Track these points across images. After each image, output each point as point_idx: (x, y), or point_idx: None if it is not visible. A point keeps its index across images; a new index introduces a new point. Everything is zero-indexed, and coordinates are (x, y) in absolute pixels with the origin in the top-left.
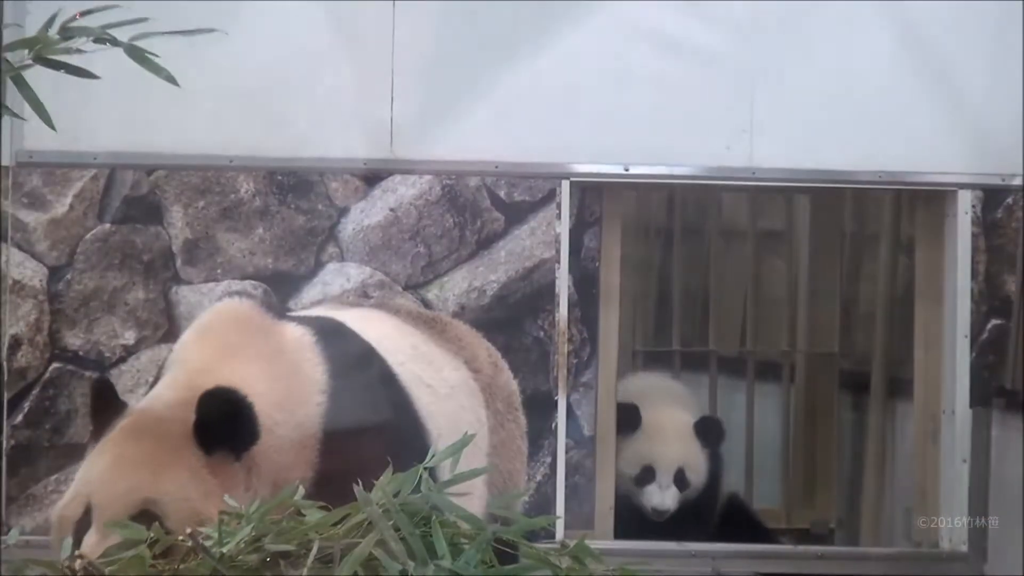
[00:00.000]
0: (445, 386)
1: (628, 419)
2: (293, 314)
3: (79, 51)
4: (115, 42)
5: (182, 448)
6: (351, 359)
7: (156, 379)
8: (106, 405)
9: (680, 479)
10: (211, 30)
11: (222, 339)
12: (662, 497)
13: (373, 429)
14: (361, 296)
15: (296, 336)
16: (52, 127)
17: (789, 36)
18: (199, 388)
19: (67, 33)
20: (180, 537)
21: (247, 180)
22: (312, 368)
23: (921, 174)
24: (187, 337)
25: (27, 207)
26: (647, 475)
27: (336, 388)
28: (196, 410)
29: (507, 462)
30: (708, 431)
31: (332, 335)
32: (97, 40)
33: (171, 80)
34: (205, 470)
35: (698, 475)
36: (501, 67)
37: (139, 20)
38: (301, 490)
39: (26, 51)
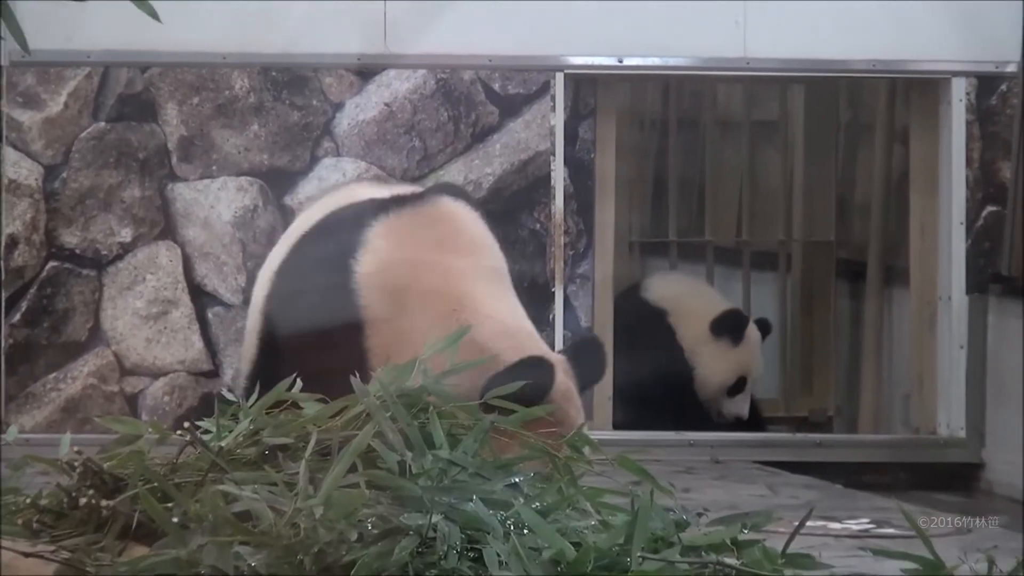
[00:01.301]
0: None
1: (736, 327)
2: None
3: None
4: None
5: None
6: None
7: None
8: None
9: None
10: None
11: None
12: (746, 407)
13: None
14: None
15: None
16: (26, 50)
17: None
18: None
19: None
20: (178, 432)
21: (241, 77)
22: None
23: (915, 62)
24: None
25: (22, 106)
26: (740, 384)
27: None
28: None
29: None
30: (765, 332)
31: None
32: None
33: (153, 15)
34: None
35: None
36: None
37: None
38: (299, 383)
39: None
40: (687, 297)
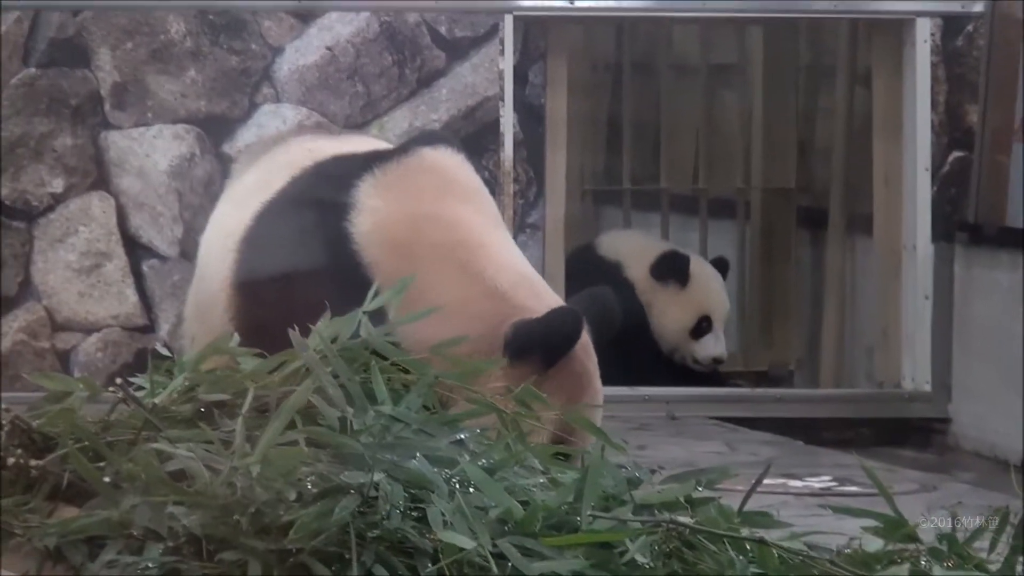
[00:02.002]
0: None
1: (676, 268)
2: None
3: None
4: None
5: None
6: None
7: None
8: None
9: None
10: None
11: None
12: (721, 346)
13: None
14: None
15: None
16: None
17: None
18: None
19: None
20: (111, 388)
21: (177, 20)
22: None
23: (878, 1)
24: None
25: None
26: (704, 325)
27: None
28: None
29: None
30: (723, 271)
31: None
32: None
33: None
34: None
35: (727, 317)
36: None
37: None
38: (236, 337)
39: None
40: (640, 250)
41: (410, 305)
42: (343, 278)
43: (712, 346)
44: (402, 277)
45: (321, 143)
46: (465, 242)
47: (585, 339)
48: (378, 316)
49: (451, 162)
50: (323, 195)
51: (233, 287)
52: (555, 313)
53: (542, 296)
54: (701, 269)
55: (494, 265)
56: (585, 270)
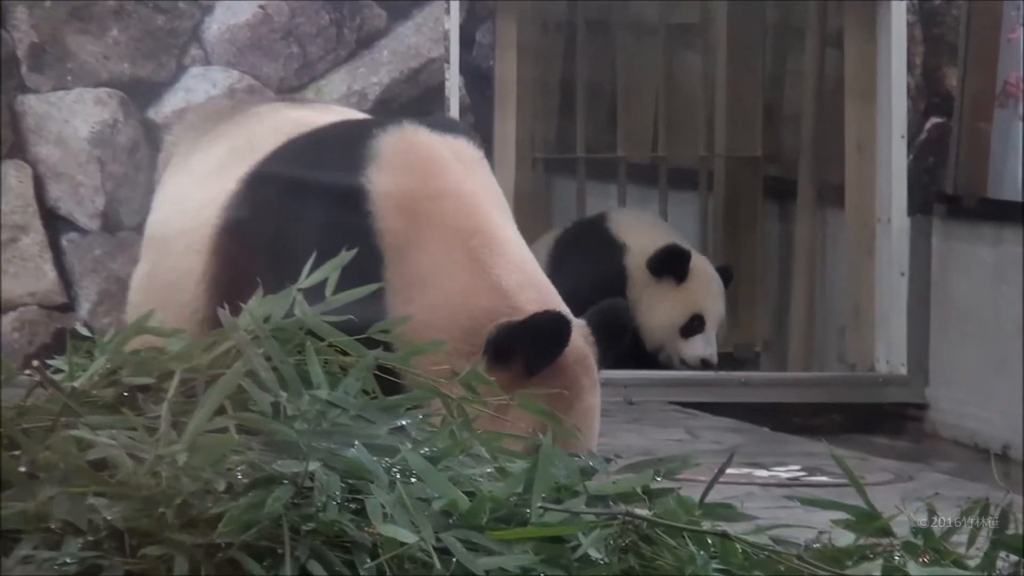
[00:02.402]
0: None
1: (675, 264)
2: None
3: None
4: None
5: None
6: None
7: None
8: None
9: (719, 332)
10: None
11: None
12: (712, 349)
13: None
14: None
15: None
16: None
17: None
18: None
19: None
20: (27, 371)
21: None
22: None
23: None
24: None
25: None
26: (696, 325)
27: None
28: None
29: None
30: (726, 279)
31: None
32: None
33: None
34: None
35: (722, 328)
36: None
37: None
38: (160, 316)
39: None
40: (646, 238)
41: (410, 286)
42: (350, 236)
43: (701, 347)
44: (406, 253)
45: (304, 112)
46: (482, 232)
47: (583, 351)
48: (373, 303)
49: (475, 155)
50: (335, 151)
51: (216, 255)
52: (542, 315)
53: (548, 303)
54: (702, 268)
55: (505, 262)
56: (590, 242)
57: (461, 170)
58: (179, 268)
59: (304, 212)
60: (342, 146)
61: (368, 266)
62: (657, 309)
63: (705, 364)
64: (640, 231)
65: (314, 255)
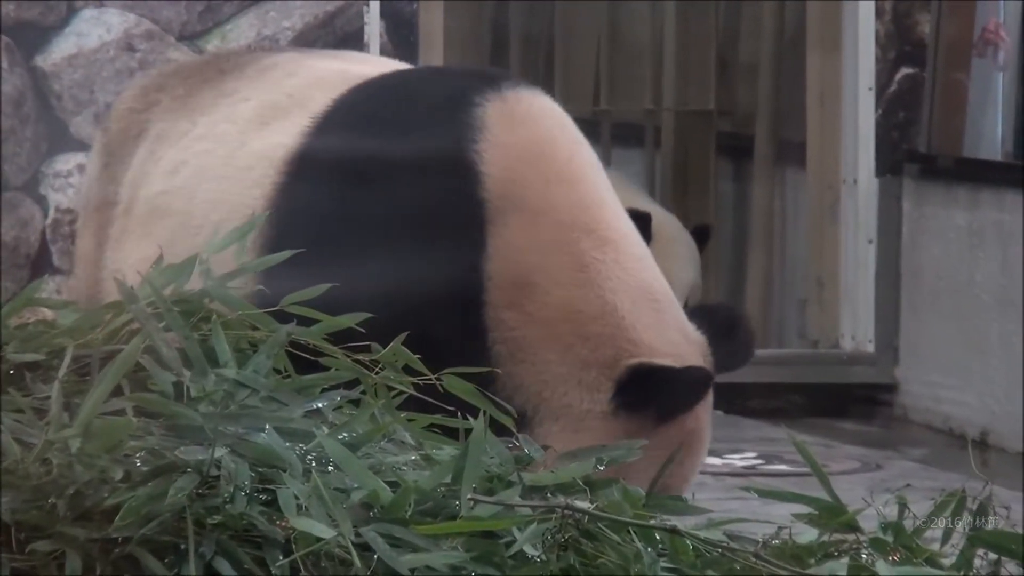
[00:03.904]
0: None
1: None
2: None
3: None
4: None
5: None
6: None
7: None
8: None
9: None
10: None
11: None
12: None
13: None
14: (127, 50)
15: None
16: None
17: None
18: None
19: None
20: None
21: None
22: None
23: None
24: None
25: None
26: None
27: None
28: None
29: None
30: (701, 240)
31: None
32: None
33: None
34: None
35: (696, 295)
36: None
37: None
38: (51, 285)
39: None
40: None
41: (513, 285)
42: (450, 216)
43: None
44: (512, 247)
45: (343, 63)
46: (592, 231)
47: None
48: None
49: (570, 121)
50: (432, 114)
51: (273, 218)
52: (687, 372)
53: (665, 326)
54: (667, 231)
55: (619, 272)
56: None
57: (569, 147)
58: (219, 227)
59: (397, 179)
60: (440, 109)
61: (467, 255)
62: None
63: None
64: None
65: (405, 229)
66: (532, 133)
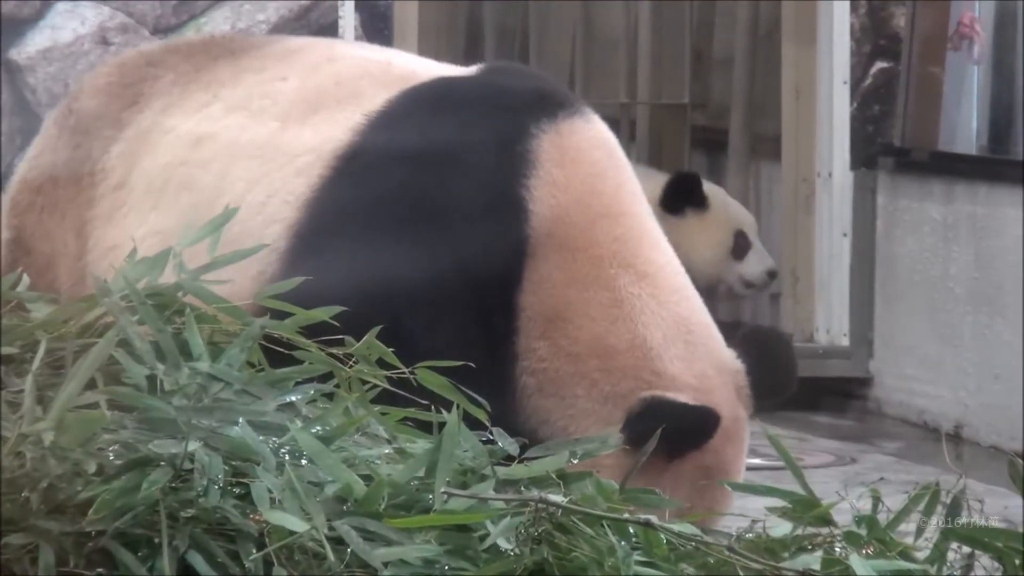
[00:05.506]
0: None
1: (690, 191)
2: None
3: None
4: None
5: None
6: None
7: None
8: None
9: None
10: None
11: None
12: (769, 258)
13: None
14: (101, 43)
15: None
16: None
17: None
18: None
19: None
20: None
21: None
22: None
23: None
24: None
25: None
26: (743, 242)
27: None
28: None
29: None
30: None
31: None
32: None
33: None
34: None
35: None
36: None
37: None
38: (26, 280)
39: None
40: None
41: (546, 318)
42: (492, 244)
43: (760, 260)
44: (549, 280)
45: (381, 54)
46: (630, 266)
47: (733, 416)
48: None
49: (615, 143)
50: (486, 141)
51: (313, 209)
52: (693, 411)
53: (694, 358)
54: (708, 186)
55: (654, 307)
56: None
57: (616, 179)
58: (253, 221)
59: (444, 202)
60: (496, 135)
61: (501, 283)
62: (697, 243)
63: (772, 275)
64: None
65: (446, 252)
66: (582, 170)
